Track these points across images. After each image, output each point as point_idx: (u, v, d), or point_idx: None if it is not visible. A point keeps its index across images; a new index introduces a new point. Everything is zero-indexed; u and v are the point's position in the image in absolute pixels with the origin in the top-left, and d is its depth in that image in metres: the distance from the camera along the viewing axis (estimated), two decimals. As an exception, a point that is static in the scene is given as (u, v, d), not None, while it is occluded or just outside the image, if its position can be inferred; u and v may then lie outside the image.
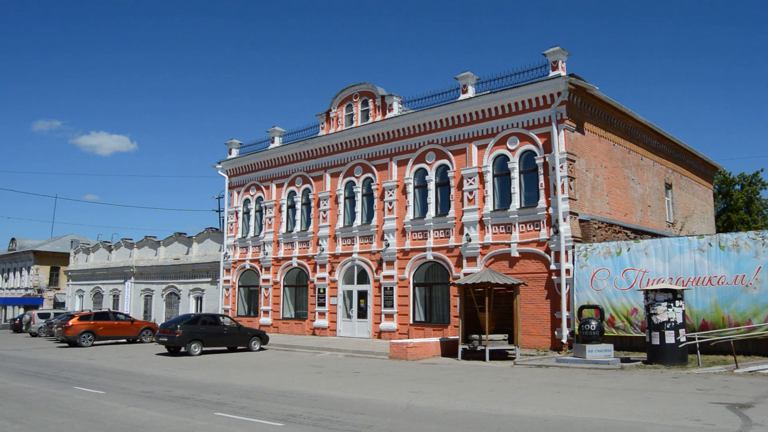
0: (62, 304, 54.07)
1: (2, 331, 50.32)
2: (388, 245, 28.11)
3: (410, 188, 27.98)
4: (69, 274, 52.88)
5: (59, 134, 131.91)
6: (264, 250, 34.38)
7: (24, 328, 43.61)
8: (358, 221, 30.00)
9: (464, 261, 25.37)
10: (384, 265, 28.33)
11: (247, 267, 35.49)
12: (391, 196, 28.53)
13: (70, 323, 30.19)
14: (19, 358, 23.98)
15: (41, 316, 41.48)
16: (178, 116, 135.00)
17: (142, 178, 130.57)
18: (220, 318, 26.96)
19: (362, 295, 29.55)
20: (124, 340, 32.18)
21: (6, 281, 62.76)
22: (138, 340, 32.21)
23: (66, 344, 30.47)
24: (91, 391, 14.50)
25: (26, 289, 58.11)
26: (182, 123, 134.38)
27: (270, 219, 34.46)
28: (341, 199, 30.98)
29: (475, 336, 20.79)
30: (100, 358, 23.69)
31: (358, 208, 30.14)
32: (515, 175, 24.49)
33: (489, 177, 25.26)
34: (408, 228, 27.65)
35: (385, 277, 28.19)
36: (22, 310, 53.57)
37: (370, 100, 30.22)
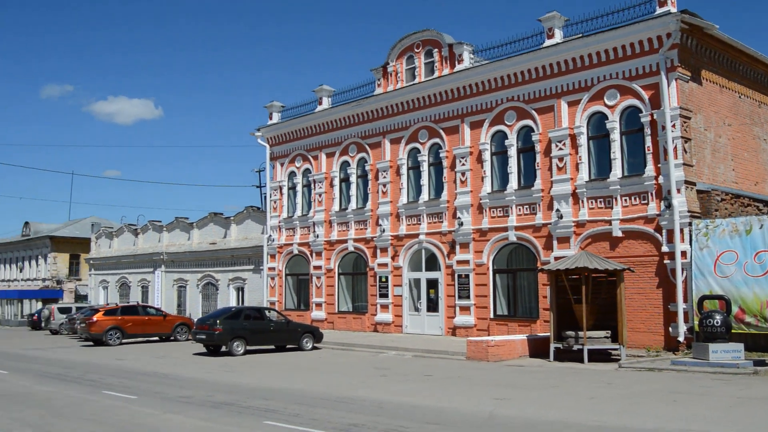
0: (84, 297, 56.12)
1: (19, 328, 52.73)
2: (461, 224, 28.02)
3: (486, 155, 27.73)
4: (90, 263, 54.78)
5: (72, 101, 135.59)
6: (314, 231, 34.77)
7: (43, 324, 45.51)
8: (424, 196, 29.96)
9: (554, 242, 25.06)
10: (457, 248, 28.28)
11: (295, 252, 36.00)
12: (463, 165, 28.36)
13: (95, 319, 31.30)
14: (41, 359, 25.05)
15: (62, 310, 43.21)
16: (209, 75, 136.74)
17: (169, 149, 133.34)
18: (266, 312, 27.47)
19: (432, 284, 29.61)
20: (156, 338, 33.21)
21: (21, 271, 65.46)
22: (172, 338, 33.17)
23: (91, 343, 31.66)
24: (121, 395, 15.02)
25: (43, 280, 60.49)
26: (214, 83, 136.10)
27: (320, 195, 34.78)
28: (404, 170, 30.98)
29: (571, 333, 20.58)
30: (131, 358, 24.52)
31: (425, 180, 30.09)
32: (615, 136, 23.94)
33: (583, 140, 24.81)
34: (485, 203, 27.47)
35: (458, 262, 28.16)
36: (40, 304, 55.80)
37: (435, 50, 29.99)
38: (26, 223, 65.95)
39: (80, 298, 57.04)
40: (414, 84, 30.41)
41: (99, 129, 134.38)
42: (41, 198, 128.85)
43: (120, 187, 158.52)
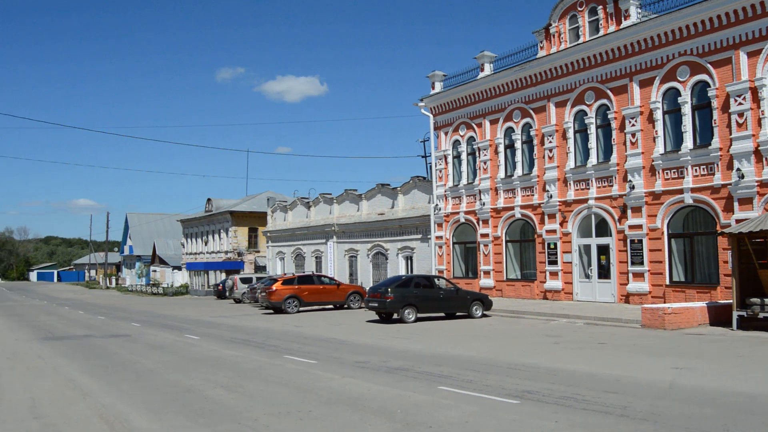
0: (263, 268, 59.28)
1: (206, 297, 56.60)
2: (632, 187, 27.00)
3: (658, 114, 26.49)
4: (267, 235, 57.73)
5: (243, 82, 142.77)
6: (480, 199, 34.74)
7: (227, 293, 48.70)
8: (592, 159, 29.13)
9: (735, 204, 23.62)
10: (629, 212, 27.32)
11: (462, 220, 36.16)
12: (633, 125, 27.25)
13: (274, 288, 33.05)
14: (227, 326, 26.82)
15: (243, 281, 46.00)
16: (371, 50, 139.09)
17: (336, 123, 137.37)
18: (435, 280, 27.87)
19: (603, 250, 28.85)
20: (331, 306, 34.60)
21: (206, 245, 69.96)
22: (345, 306, 34.43)
23: (271, 310, 33.51)
24: (302, 360, 15.85)
25: (226, 252, 64.33)
26: (377, 57, 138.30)
27: (485, 162, 34.64)
28: (570, 134, 30.23)
29: (756, 300, 19.46)
30: (308, 325, 25.73)
31: (592, 142, 29.22)
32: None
33: (765, 92, 23.10)
34: (657, 165, 26.30)
35: (630, 227, 27.22)
36: (223, 275, 59.66)
37: (600, 7, 28.85)
38: (209, 200, 70.26)
39: (259, 268, 60.26)
40: (578, 44, 29.49)
41: (270, 107, 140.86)
42: (221, 175, 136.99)
43: (292, 162, 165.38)
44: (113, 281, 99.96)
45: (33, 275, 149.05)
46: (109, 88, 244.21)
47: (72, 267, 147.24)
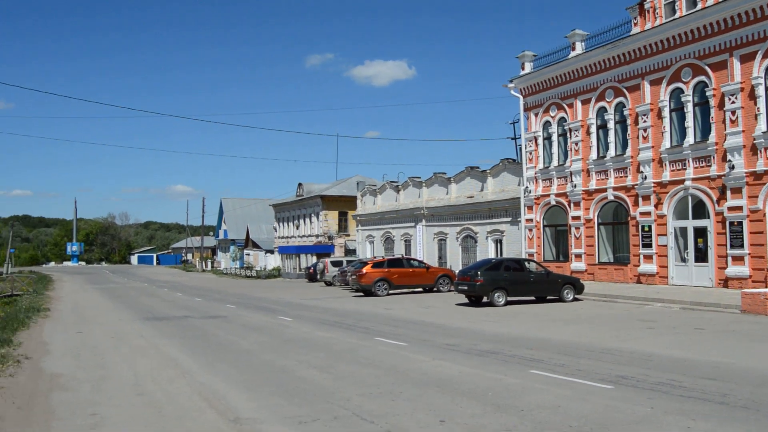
0: (353, 251, 59.91)
1: (298, 280, 57.64)
2: (732, 168, 25.99)
3: (760, 90, 25.38)
4: (357, 219, 58.31)
5: (332, 67, 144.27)
6: (571, 181, 34.13)
7: (318, 276, 49.46)
8: (689, 139, 28.17)
9: None
10: (728, 193, 26.33)
11: (552, 203, 35.63)
12: (733, 103, 26.19)
13: (364, 271, 33.39)
14: (318, 308, 27.29)
15: (334, 264, 46.59)
16: (459, 32, 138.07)
17: (424, 107, 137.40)
18: (525, 263, 27.59)
19: (700, 232, 27.94)
20: (420, 289, 34.69)
21: (297, 228, 71.24)
22: (435, 289, 34.44)
23: (361, 293, 33.87)
24: (392, 342, 16.00)
25: (316, 236, 65.35)
26: (465, 39, 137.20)
27: (576, 144, 33.99)
28: (666, 112, 29.28)
29: None
30: (398, 308, 25.91)
31: (689, 121, 28.24)
32: None
33: None
34: (759, 144, 25.23)
35: (730, 209, 26.23)
36: (314, 258, 60.60)
37: (700, -20, 27.79)
38: (300, 184, 71.40)
39: (349, 252, 60.92)
40: (674, 19, 28.48)
41: (358, 92, 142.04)
42: (312, 160, 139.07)
43: (380, 146, 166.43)
44: (209, 264, 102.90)
45: (134, 259, 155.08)
46: (203, 77, 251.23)
47: (170, 251, 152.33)
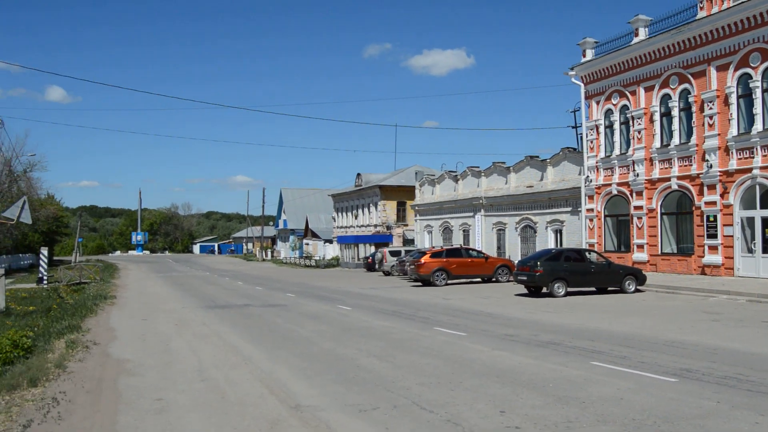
0: (411, 241, 59.95)
1: (356, 269, 58.00)
2: (803, 155, 25.17)
3: (835, 76, 24.48)
4: (415, 209, 58.29)
5: (390, 57, 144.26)
6: (634, 170, 33.48)
7: (376, 266, 49.72)
8: (758, 126, 27.33)
9: None
10: (798, 182, 25.52)
11: (614, 192, 35.03)
12: (805, 89, 25.34)
13: (423, 261, 33.41)
14: (377, 297, 27.42)
15: (392, 253, 46.79)
16: (518, 20, 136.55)
17: (482, 96, 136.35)
18: (586, 254, 27.22)
19: (768, 222, 27.15)
20: (478, 279, 34.57)
21: (356, 218, 71.61)
22: (493, 279, 34.28)
23: (419, 283, 33.90)
24: (451, 332, 15.98)
25: (375, 226, 65.56)
26: (523, 27, 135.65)
27: (639, 132, 33.31)
28: (733, 99, 28.46)
29: None
30: (456, 298, 25.86)
31: (758, 108, 27.40)
32: None
33: None
34: (833, 130, 24.36)
35: (800, 197, 25.41)
36: (373, 248, 60.88)
37: (770, -38, 26.87)
38: (358, 175, 71.73)
39: (407, 242, 60.98)
40: (742, 2, 27.60)
41: (416, 82, 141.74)
42: (370, 150, 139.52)
43: (439, 135, 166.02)
44: (269, 254, 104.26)
45: (196, 248, 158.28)
46: (262, 68, 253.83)
47: (231, 240, 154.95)
